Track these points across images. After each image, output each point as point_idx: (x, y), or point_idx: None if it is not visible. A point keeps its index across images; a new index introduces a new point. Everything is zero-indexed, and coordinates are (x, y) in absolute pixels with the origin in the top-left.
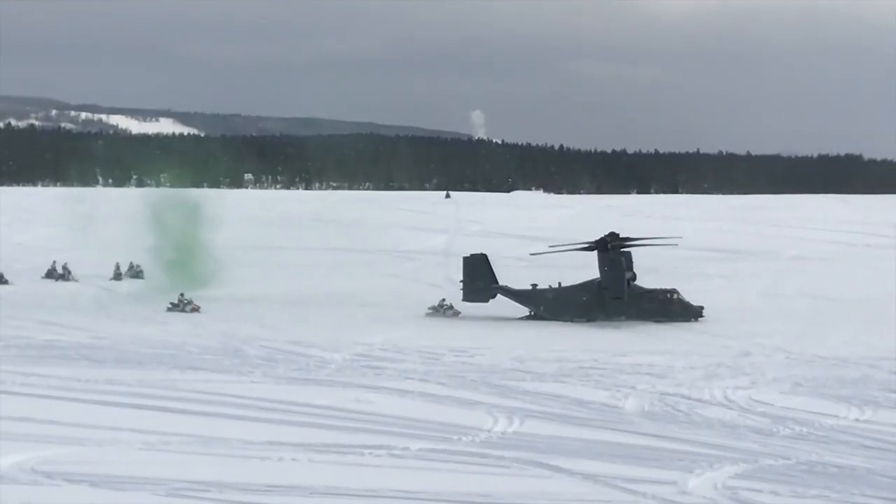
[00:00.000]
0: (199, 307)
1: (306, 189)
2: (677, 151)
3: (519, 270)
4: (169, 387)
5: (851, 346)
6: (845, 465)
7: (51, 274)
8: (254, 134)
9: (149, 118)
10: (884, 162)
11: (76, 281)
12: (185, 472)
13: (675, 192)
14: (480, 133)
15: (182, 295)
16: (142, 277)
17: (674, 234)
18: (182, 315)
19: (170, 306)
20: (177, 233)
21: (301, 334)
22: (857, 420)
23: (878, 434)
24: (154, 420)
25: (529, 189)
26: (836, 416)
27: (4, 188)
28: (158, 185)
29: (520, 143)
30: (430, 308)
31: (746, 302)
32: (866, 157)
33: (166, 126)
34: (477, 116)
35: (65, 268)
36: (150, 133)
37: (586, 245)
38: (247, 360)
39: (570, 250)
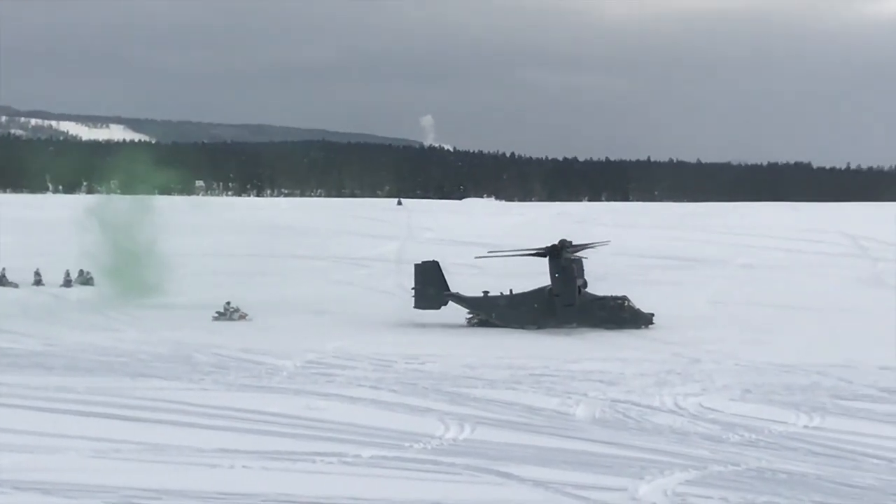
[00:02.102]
0: (246, 314)
1: (258, 196)
2: (628, 159)
3: (470, 277)
4: (120, 394)
5: (801, 354)
6: (794, 471)
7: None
8: (205, 141)
9: (99, 125)
10: (833, 170)
11: (44, 285)
12: (136, 480)
13: (626, 199)
14: (431, 138)
15: (228, 303)
16: (92, 284)
17: (623, 241)
18: (128, 321)
19: (216, 315)
20: (126, 240)
21: (252, 341)
22: (806, 427)
23: (826, 441)
24: (105, 427)
25: (481, 196)
26: (786, 423)
27: None
28: (108, 192)
29: (472, 151)
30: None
31: (697, 309)
32: (815, 165)
33: (117, 133)
34: (427, 121)
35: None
36: (100, 140)
37: (534, 251)
38: (198, 368)
39: (522, 255)
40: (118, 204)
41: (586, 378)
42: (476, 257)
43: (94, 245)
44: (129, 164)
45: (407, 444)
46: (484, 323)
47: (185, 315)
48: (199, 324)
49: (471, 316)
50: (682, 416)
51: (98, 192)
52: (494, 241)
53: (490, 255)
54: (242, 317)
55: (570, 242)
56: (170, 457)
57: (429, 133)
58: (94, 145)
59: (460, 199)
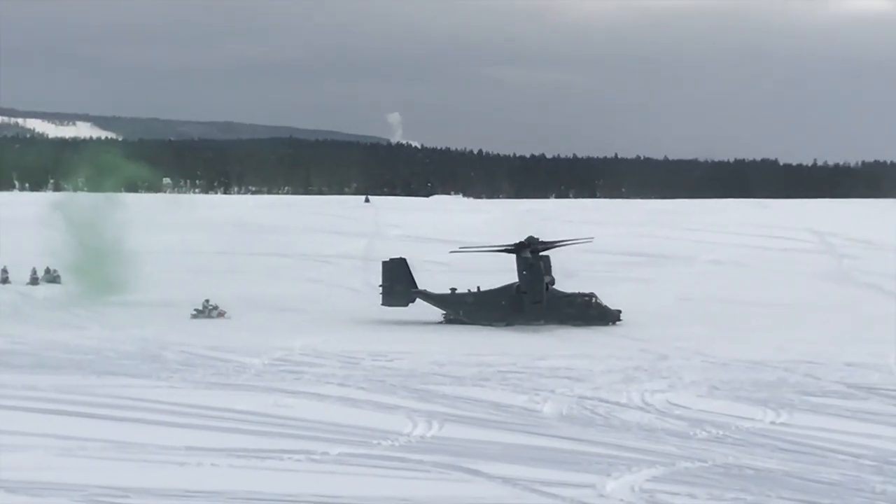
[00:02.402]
0: (225, 312)
1: (225, 193)
2: (595, 156)
3: (438, 275)
4: (87, 392)
5: (767, 350)
6: (761, 467)
7: None
8: (172, 138)
9: (66, 122)
10: (799, 167)
11: (10, 283)
12: (103, 478)
13: (594, 196)
14: (398, 135)
15: (207, 301)
16: (59, 282)
17: (593, 238)
18: (94, 318)
19: (194, 313)
20: (92, 237)
21: (220, 339)
22: (772, 423)
23: (793, 437)
24: (72, 425)
25: (449, 193)
26: (753, 419)
27: None
28: (76, 189)
29: (439, 148)
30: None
31: (664, 306)
32: (782, 162)
33: (84, 130)
34: (394, 118)
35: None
36: (67, 137)
37: (504, 247)
38: (165, 365)
39: (490, 251)
40: (84, 201)
41: (554, 375)
42: (451, 252)
43: (60, 243)
44: (96, 161)
45: (375, 442)
46: (453, 320)
47: (151, 312)
48: (167, 321)
49: (445, 313)
50: (649, 412)
51: (65, 189)
52: (462, 238)
53: (463, 251)
54: (221, 314)
55: (538, 239)
56: (136, 454)
57: (396, 130)
58: (61, 143)
59: (428, 196)
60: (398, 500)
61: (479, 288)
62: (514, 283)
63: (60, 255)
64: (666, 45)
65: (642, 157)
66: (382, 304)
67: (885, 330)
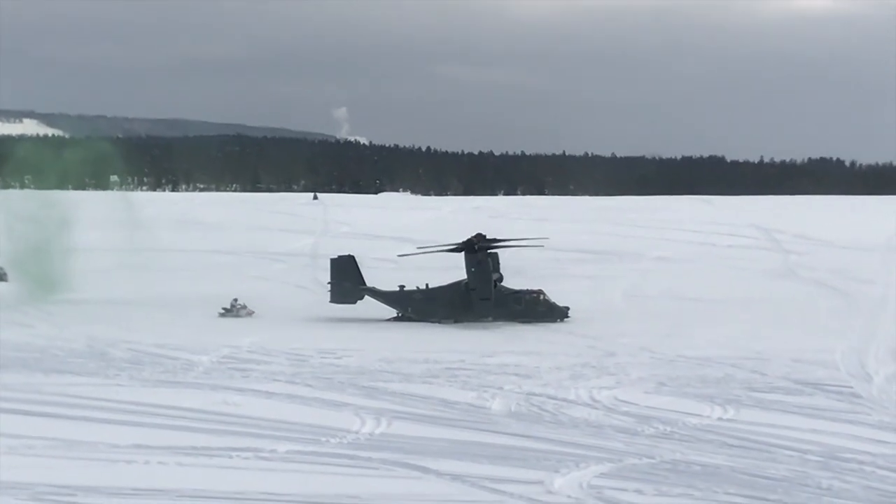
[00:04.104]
0: (253, 312)
1: (173, 191)
2: (543, 153)
3: (387, 272)
4: (33, 390)
5: (714, 346)
6: (708, 463)
7: None
8: (119, 135)
9: (11, 119)
10: (746, 163)
11: None
12: (49, 477)
13: (542, 193)
14: (344, 130)
15: (235, 300)
16: (5, 280)
17: (541, 235)
18: (41, 316)
19: (222, 311)
20: (39, 236)
21: (167, 337)
22: (720, 419)
23: (740, 432)
24: (18, 424)
25: (397, 190)
26: (700, 415)
27: None
28: (22, 187)
29: (387, 145)
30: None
31: (611, 303)
32: (729, 158)
33: (30, 127)
34: (341, 114)
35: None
36: (13, 134)
37: (454, 246)
38: (112, 363)
39: (438, 251)
40: (28, 199)
41: (502, 371)
42: (399, 255)
43: (5, 241)
44: (41, 158)
45: (323, 439)
46: (401, 317)
47: (98, 310)
48: (114, 319)
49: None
50: (597, 408)
51: (12, 187)
52: (411, 235)
53: (415, 253)
54: (250, 313)
55: (485, 237)
56: (84, 453)
57: (342, 125)
58: (7, 140)
59: (376, 193)
60: (347, 497)
61: (427, 285)
62: (463, 281)
63: (5, 254)
64: (612, 43)
65: (590, 155)
66: (331, 302)
67: (831, 326)
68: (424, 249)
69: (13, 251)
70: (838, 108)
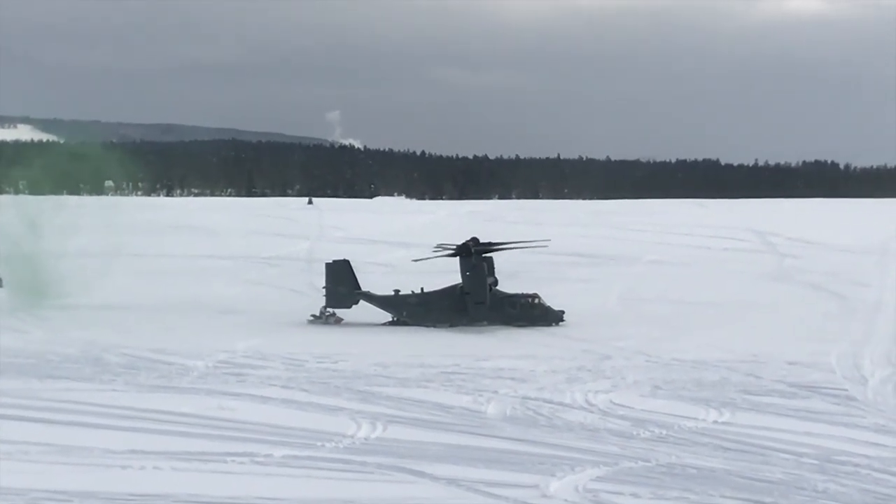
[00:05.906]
0: (342, 319)
1: (167, 196)
2: (538, 157)
3: (382, 276)
4: (28, 395)
5: (709, 350)
6: (704, 466)
7: None
8: (114, 140)
9: (7, 125)
10: (740, 167)
11: None
12: (45, 482)
13: (537, 197)
14: (337, 134)
15: (325, 307)
16: (1, 286)
17: (536, 238)
18: (36, 322)
19: (311, 318)
20: (35, 241)
21: (163, 342)
22: (715, 422)
23: (736, 436)
24: (13, 429)
25: (392, 195)
26: (695, 419)
27: None
28: (17, 192)
29: (382, 149)
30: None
31: (607, 306)
32: (723, 161)
33: (25, 133)
34: (334, 117)
35: None
36: (8, 140)
37: (453, 249)
38: (108, 368)
39: (440, 256)
40: (24, 204)
41: (497, 376)
42: (414, 260)
43: (1, 246)
44: (36, 163)
45: (319, 444)
46: (396, 321)
47: (93, 315)
48: (108, 324)
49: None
50: (592, 412)
51: (7, 192)
52: (406, 239)
53: (430, 257)
54: (338, 321)
55: (478, 240)
56: (79, 458)
57: (335, 129)
58: (1, 145)
59: (371, 197)
60: (342, 501)
61: (422, 289)
62: (458, 285)
63: (1, 259)
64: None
65: (585, 158)
66: (326, 306)
67: (826, 329)
68: (440, 254)
69: (9, 257)
70: (833, 111)
